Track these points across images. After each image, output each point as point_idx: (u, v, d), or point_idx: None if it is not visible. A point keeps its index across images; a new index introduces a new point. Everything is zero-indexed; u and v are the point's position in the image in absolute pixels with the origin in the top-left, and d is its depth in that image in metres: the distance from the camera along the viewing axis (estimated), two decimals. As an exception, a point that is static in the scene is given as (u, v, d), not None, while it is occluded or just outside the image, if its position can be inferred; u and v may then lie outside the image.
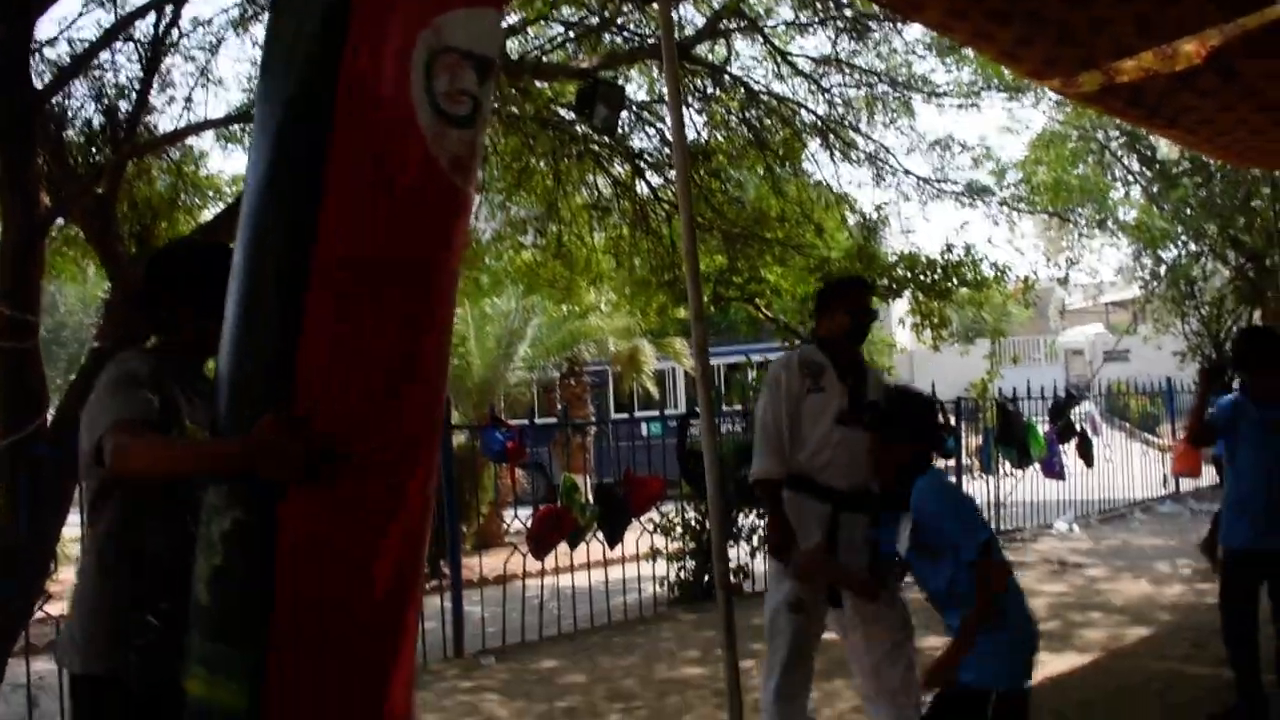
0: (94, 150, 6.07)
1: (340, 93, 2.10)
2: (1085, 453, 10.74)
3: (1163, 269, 15.21)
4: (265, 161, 2.17)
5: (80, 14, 6.66)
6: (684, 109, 6.88)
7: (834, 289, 4.45)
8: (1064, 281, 16.72)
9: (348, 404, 2.08)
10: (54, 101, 5.74)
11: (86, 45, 5.92)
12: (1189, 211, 14.05)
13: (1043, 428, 10.37)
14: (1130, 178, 15.37)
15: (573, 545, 6.80)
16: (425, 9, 2.17)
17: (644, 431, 9.56)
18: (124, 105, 6.21)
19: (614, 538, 7.06)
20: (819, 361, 4.12)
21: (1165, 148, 14.07)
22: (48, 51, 6.21)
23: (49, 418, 5.37)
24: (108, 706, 2.30)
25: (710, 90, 8.62)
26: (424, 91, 2.15)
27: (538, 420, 13.56)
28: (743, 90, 8.62)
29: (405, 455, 2.18)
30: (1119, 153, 14.91)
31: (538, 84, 7.63)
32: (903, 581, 4.05)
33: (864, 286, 4.48)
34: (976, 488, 10.37)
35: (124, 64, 6.45)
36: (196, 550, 2.12)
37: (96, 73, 6.21)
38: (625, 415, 12.34)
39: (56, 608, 5.43)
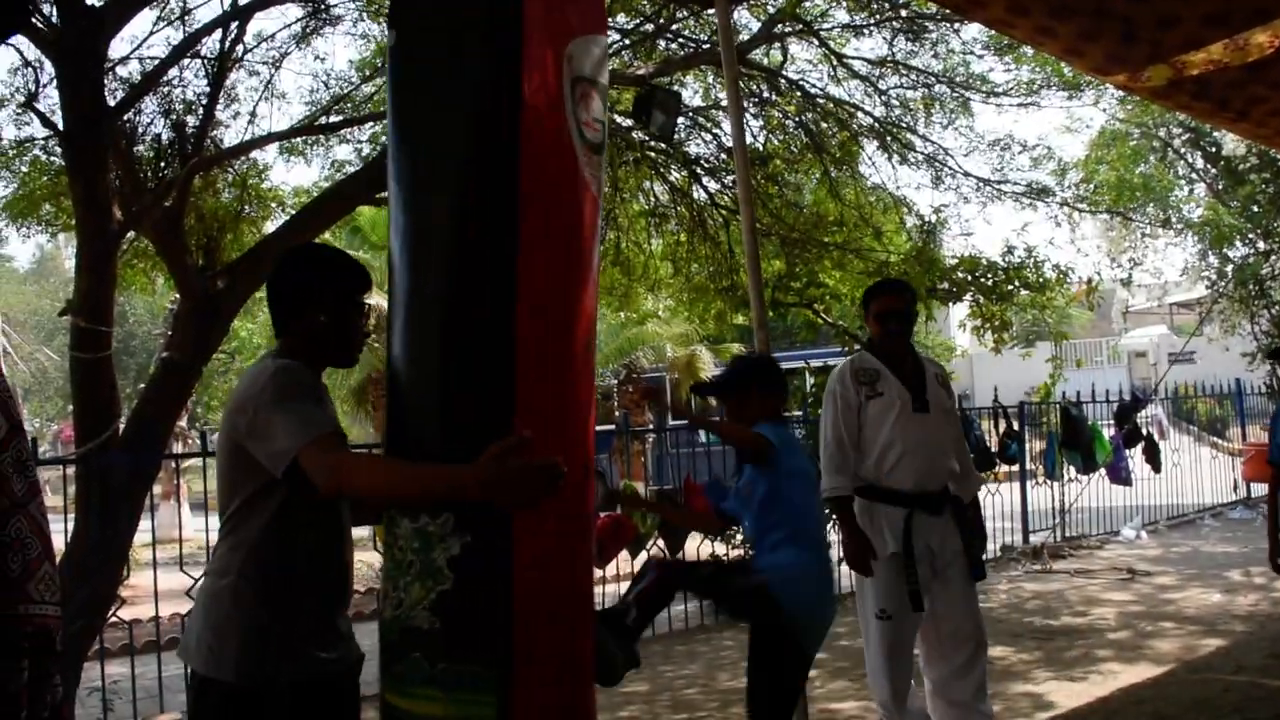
0: (163, 164, 6.20)
1: (523, 122, 2.17)
2: (1152, 457, 10.52)
3: (1230, 268, 14.86)
4: (441, 193, 2.24)
5: (151, 33, 6.78)
6: (742, 114, 6.86)
7: (867, 292, 4.44)
8: (1127, 283, 16.41)
9: (551, 422, 2.23)
10: (125, 118, 5.88)
11: (156, 63, 6.06)
12: (1256, 208, 13.72)
13: (1108, 432, 10.18)
14: (1195, 175, 15.06)
15: (634, 554, 6.80)
16: (562, 35, 2.26)
17: (703, 438, 9.53)
18: (191, 120, 6.34)
19: (675, 546, 7.05)
20: (872, 367, 4.09)
21: (1231, 143, 13.76)
22: (120, 69, 6.37)
23: (120, 426, 5.49)
24: (246, 714, 2.27)
25: (766, 94, 8.59)
26: (573, 118, 2.23)
27: (597, 427, 13.57)
28: (799, 94, 8.59)
29: (588, 461, 2.39)
30: (1182, 150, 14.62)
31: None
32: (978, 591, 4.02)
33: (891, 289, 4.43)
34: (1040, 494, 10.20)
35: (191, 80, 6.57)
36: (399, 579, 2.21)
37: (165, 89, 6.35)
38: (684, 421, 12.32)
39: (129, 612, 5.56)
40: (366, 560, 7.89)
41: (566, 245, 2.28)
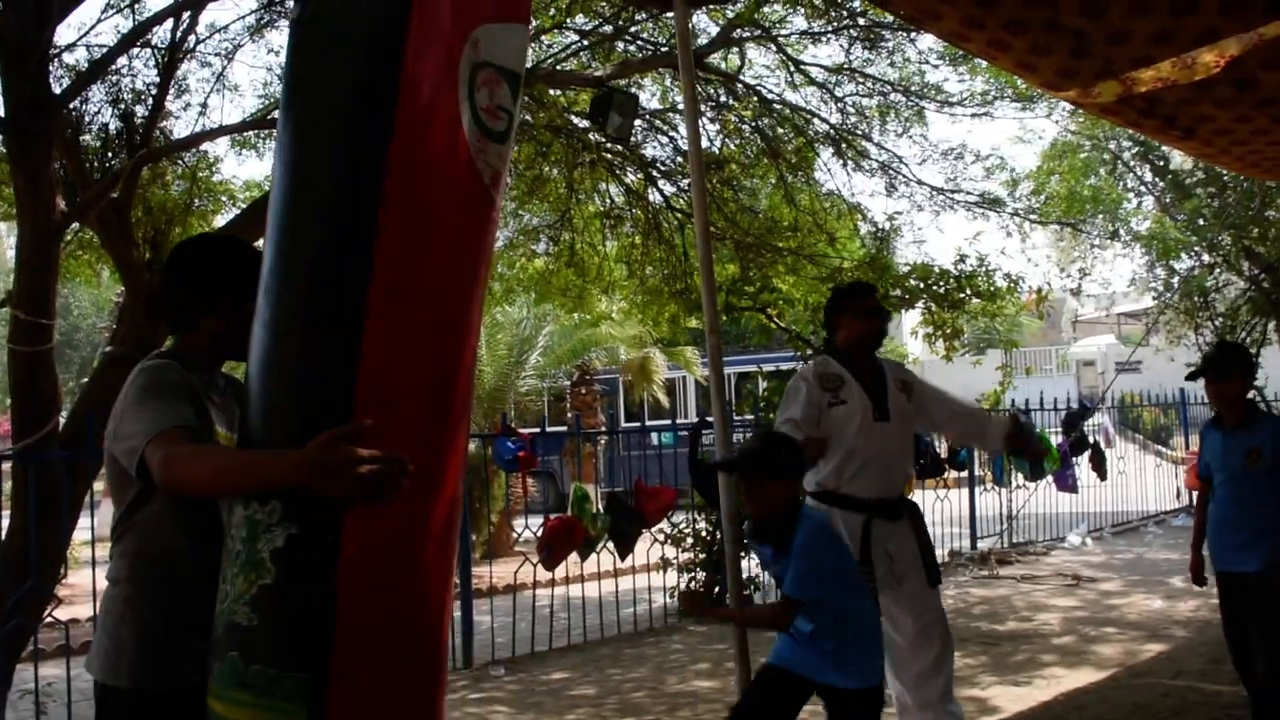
0: (110, 155, 6.08)
1: (402, 97, 2.06)
2: (1098, 465, 10.69)
3: (1176, 280, 15.12)
4: (311, 168, 2.11)
5: (99, 20, 6.65)
6: (698, 118, 6.86)
7: (839, 296, 4.42)
8: (1077, 292, 16.64)
9: (401, 416, 2.05)
10: (71, 106, 5.76)
11: (104, 51, 5.94)
12: (1202, 222, 13.97)
13: (1055, 440, 10.32)
14: (1143, 188, 15.29)
15: (584, 556, 6.78)
16: (467, 20, 2.17)
17: (655, 441, 9.53)
18: (140, 111, 6.23)
19: (625, 549, 7.04)
20: (835, 373, 4.10)
21: (1179, 158, 14.00)
22: (66, 57, 6.24)
23: (61, 421, 5.38)
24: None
25: (723, 99, 8.61)
26: (468, 103, 2.15)
27: (548, 429, 13.54)
28: (756, 99, 8.61)
29: (446, 463, 2.18)
30: (1132, 163, 14.85)
31: (551, 92, 7.63)
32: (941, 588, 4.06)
33: (866, 289, 4.45)
34: (988, 500, 10.32)
35: (141, 70, 6.45)
36: (228, 569, 2.04)
37: (114, 78, 6.23)
38: (636, 424, 12.32)
39: (66, 612, 5.44)
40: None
41: (439, 236, 2.12)
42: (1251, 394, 4.77)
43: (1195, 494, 4.72)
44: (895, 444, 4.09)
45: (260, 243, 2.24)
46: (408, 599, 2.10)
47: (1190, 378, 4.58)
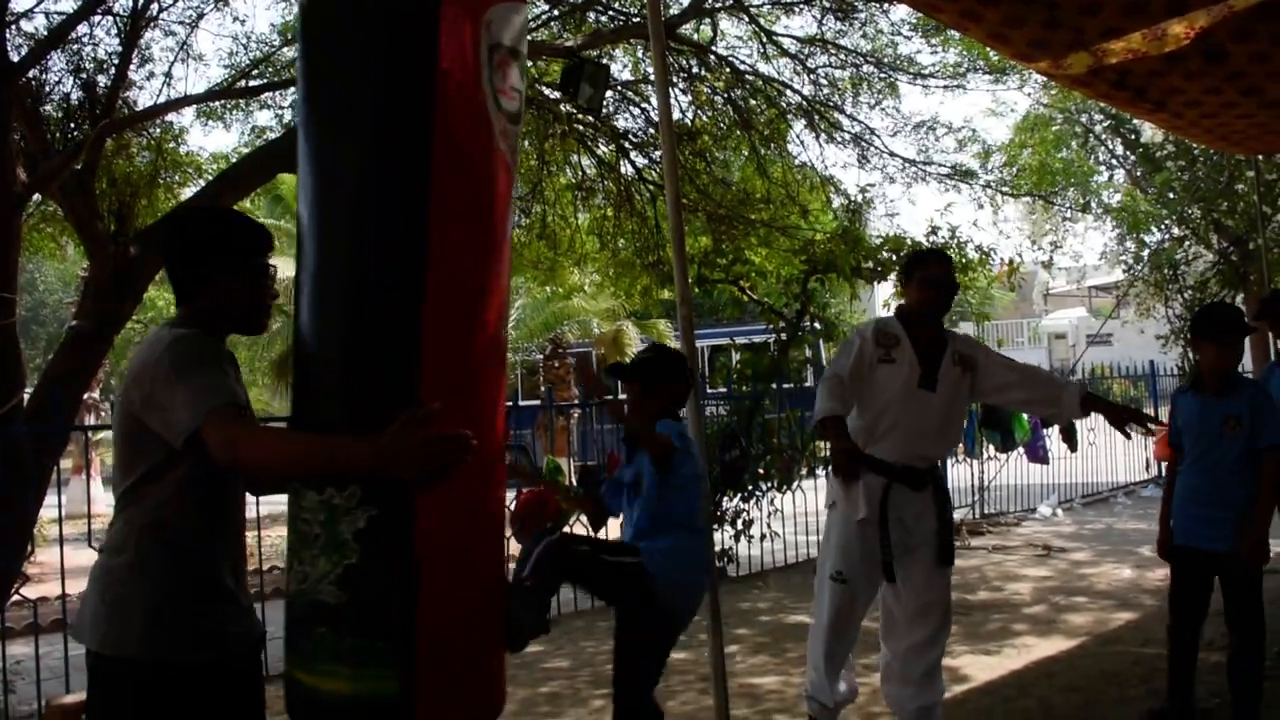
0: (72, 125, 5.97)
1: (439, 85, 2.13)
2: (1069, 436, 10.77)
3: (1146, 253, 15.25)
4: (353, 161, 2.18)
5: (58, -14, 6.54)
6: (669, 89, 6.82)
7: (913, 260, 4.33)
8: (1048, 265, 16.75)
9: (463, 398, 2.20)
10: (30, 75, 5.65)
11: (64, 18, 5.82)
12: (1172, 195, 14.08)
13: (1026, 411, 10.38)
14: (1114, 161, 15.40)
15: (557, 529, 6.75)
16: (481, 1, 2.22)
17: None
18: (103, 80, 6.12)
19: (598, 521, 7.01)
20: (894, 333, 4.03)
21: (1149, 131, 14.09)
22: (24, 24, 6.13)
23: (25, 396, 5.30)
24: (151, 692, 2.20)
25: (695, 70, 8.56)
26: (490, 85, 2.20)
27: (521, 402, 13.51)
28: (728, 70, 8.57)
29: (497, 433, 2.36)
30: (1103, 136, 14.93)
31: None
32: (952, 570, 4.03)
33: (941, 258, 4.35)
34: (960, 472, 10.39)
35: (103, 38, 6.33)
36: (303, 552, 2.17)
37: (74, 46, 6.11)
38: (609, 397, 12.28)
39: (34, 590, 5.39)
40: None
41: (480, 216, 2.24)
42: None
43: (1165, 465, 4.53)
44: (934, 415, 3.99)
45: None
46: (477, 564, 2.29)
47: (1193, 333, 4.33)
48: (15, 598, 5.18)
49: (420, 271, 2.14)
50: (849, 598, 3.97)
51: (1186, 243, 14.82)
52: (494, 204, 2.28)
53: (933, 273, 4.11)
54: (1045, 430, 10.39)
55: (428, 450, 1.95)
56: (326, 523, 2.15)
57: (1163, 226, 14.91)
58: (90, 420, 13.81)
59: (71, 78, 6.15)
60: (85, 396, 10.40)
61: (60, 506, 5.51)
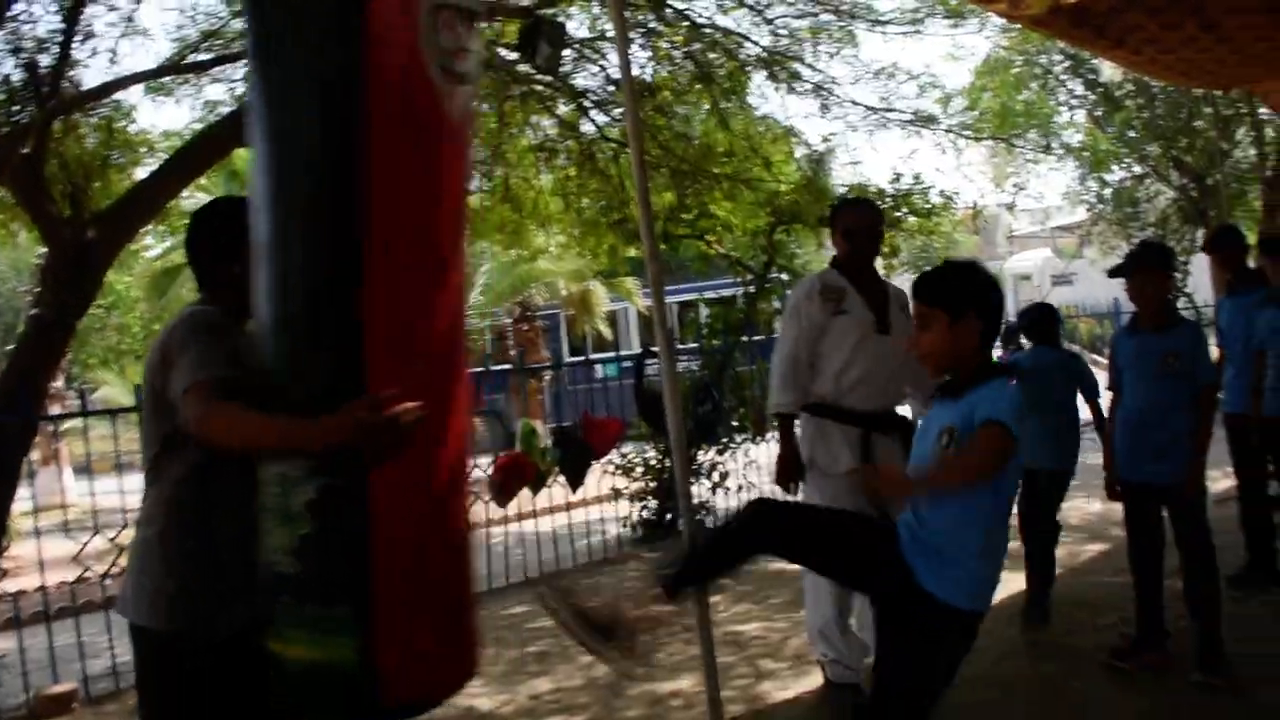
0: (16, 108, 5.83)
1: (370, 51, 2.08)
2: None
3: (1108, 192, 15.33)
4: (291, 136, 2.14)
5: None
6: (628, 45, 6.75)
7: (833, 211, 4.39)
8: (1011, 207, 16.81)
9: (416, 365, 2.18)
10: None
11: (0, -4, 5.67)
12: (1132, 134, 14.14)
13: (996, 352, 10.46)
14: (1074, 102, 15.41)
15: (535, 491, 6.78)
16: None
17: (600, 373, 9.52)
18: (45, 60, 5.96)
19: (576, 481, 7.05)
20: (838, 285, 4.06)
21: (1109, 70, 14.10)
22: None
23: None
24: (182, 662, 2.29)
25: (653, 25, 8.47)
26: (432, 48, 2.14)
27: (492, 367, 13.49)
28: (686, 24, 8.48)
29: (454, 399, 2.32)
30: (1063, 77, 14.93)
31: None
32: None
33: (856, 207, 4.41)
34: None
35: (43, 15, 6.18)
36: (266, 523, 2.17)
37: (13, 25, 5.95)
38: (580, 358, 12.28)
39: (12, 583, 5.33)
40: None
41: (427, 184, 2.19)
42: (1183, 301, 4.77)
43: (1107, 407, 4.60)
44: (894, 358, 4.03)
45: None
46: (433, 529, 2.28)
47: (1112, 274, 4.44)
48: (-8, 590, 5.14)
49: (359, 245, 2.10)
50: None
51: (1147, 180, 14.91)
52: (441, 171, 2.22)
53: (848, 222, 4.15)
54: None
55: (387, 427, 2.01)
56: (280, 494, 2.17)
57: (1123, 165, 14.99)
58: (55, 411, 13.64)
59: (12, 58, 5.99)
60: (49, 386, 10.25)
61: (34, 497, 5.44)
